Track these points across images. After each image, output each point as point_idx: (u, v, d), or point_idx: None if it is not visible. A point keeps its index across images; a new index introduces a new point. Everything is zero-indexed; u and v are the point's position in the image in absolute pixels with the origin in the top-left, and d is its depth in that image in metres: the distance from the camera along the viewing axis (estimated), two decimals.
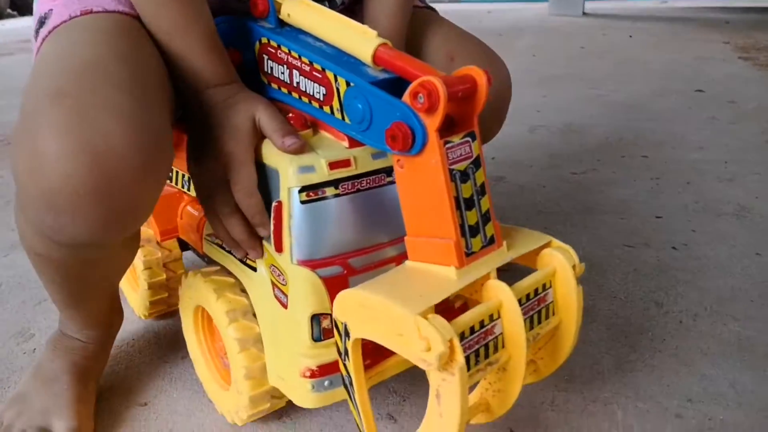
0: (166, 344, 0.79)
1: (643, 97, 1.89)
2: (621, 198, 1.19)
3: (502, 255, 0.50)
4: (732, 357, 0.74)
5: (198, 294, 0.62)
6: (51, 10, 0.56)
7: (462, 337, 0.45)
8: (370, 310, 0.45)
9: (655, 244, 1.01)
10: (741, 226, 1.06)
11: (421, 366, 0.43)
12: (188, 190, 0.66)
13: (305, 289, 0.51)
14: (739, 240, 1.01)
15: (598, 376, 0.71)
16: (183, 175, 0.67)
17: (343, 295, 0.47)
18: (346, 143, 0.52)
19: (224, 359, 0.65)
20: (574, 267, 0.53)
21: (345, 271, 0.52)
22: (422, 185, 0.46)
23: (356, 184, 0.52)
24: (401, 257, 0.53)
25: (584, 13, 3.61)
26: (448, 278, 0.46)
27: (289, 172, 0.50)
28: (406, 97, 0.45)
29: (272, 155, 0.52)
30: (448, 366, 0.43)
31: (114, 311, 0.70)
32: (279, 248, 0.52)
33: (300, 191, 0.50)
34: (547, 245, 0.54)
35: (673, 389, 0.69)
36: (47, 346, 0.67)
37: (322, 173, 0.50)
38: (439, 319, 0.42)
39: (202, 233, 0.64)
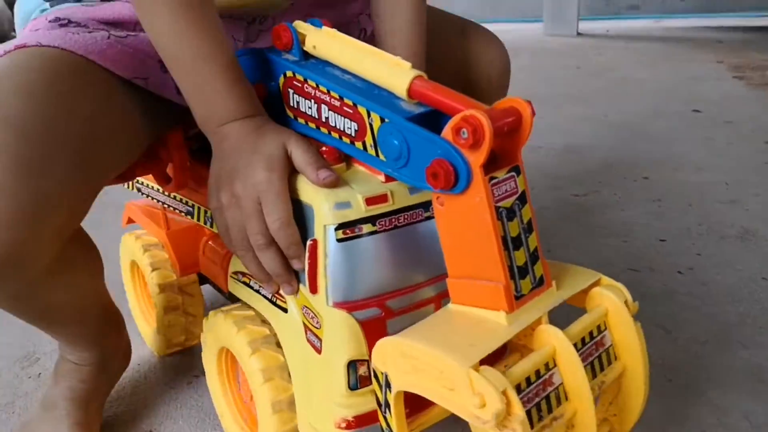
0: (173, 369, 0.78)
1: (640, 117, 1.90)
2: (623, 220, 1.18)
3: (552, 296, 0.46)
4: (743, 386, 0.72)
5: (220, 333, 0.58)
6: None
7: (519, 389, 0.41)
8: (415, 361, 0.42)
9: (660, 268, 1.00)
10: (746, 249, 1.05)
11: (475, 423, 0.39)
12: (211, 226, 0.64)
13: (342, 333, 0.48)
14: (745, 264, 1.00)
15: None
16: (206, 211, 0.64)
17: (383, 344, 0.44)
18: (381, 177, 0.50)
19: (252, 406, 0.61)
20: (626, 303, 0.49)
21: (383, 314, 0.49)
22: (466, 224, 0.43)
23: (393, 220, 0.50)
24: (440, 296, 0.51)
25: (578, 33, 3.65)
26: (498, 324, 0.43)
27: (325, 209, 0.47)
28: (447, 132, 0.42)
29: (306, 190, 0.49)
30: (506, 422, 0.39)
31: (106, 332, 0.67)
32: (314, 289, 0.49)
33: (336, 229, 0.48)
34: (596, 283, 0.50)
35: (685, 420, 0.67)
36: (52, 371, 0.66)
37: (359, 209, 0.48)
38: (493, 372, 0.39)
39: (227, 270, 0.61)
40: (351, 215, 0.48)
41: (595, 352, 0.47)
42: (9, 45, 0.52)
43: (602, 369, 0.48)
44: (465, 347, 0.40)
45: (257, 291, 0.56)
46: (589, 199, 1.29)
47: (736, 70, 2.47)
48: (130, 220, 0.80)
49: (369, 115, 0.48)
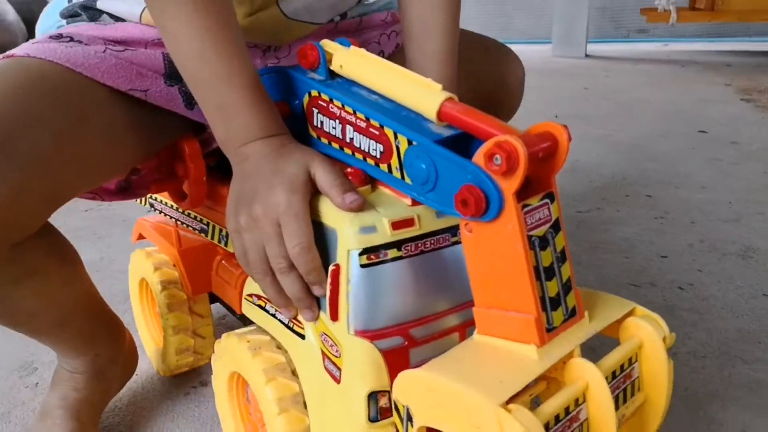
0: (169, 380, 0.79)
1: (646, 137, 1.91)
2: (626, 236, 1.19)
3: (585, 328, 0.44)
4: (742, 400, 0.73)
5: (232, 357, 0.56)
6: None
7: (546, 427, 0.39)
8: (439, 395, 0.40)
9: (661, 283, 1.00)
10: (746, 266, 1.06)
11: None
12: (225, 245, 0.63)
13: (363, 363, 0.46)
14: (746, 280, 1.01)
15: None
16: (221, 230, 0.63)
17: (406, 376, 0.42)
18: (408, 200, 0.48)
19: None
20: (664, 338, 0.46)
21: (406, 343, 0.47)
22: (496, 253, 0.41)
23: (420, 245, 0.47)
24: (465, 325, 0.49)
25: (587, 55, 3.67)
26: (528, 358, 0.41)
27: (349, 233, 0.45)
28: (478, 157, 0.40)
29: (330, 213, 0.47)
30: None
31: (97, 339, 0.66)
32: (335, 317, 0.47)
33: (360, 254, 0.46)
34: (630, 313, 0.48)
35: None
36: (51, 379, 0.67)
37: (385, 234, 0.46)
38: (524, 412, 0.37)
39: (241, 291, 0.59)
40: (376, 240, 0.46)
41: (622, 385, 0.46)
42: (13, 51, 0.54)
43: (625, 401, 0.46)
44: (493, 383, 0.39)
45: (273, 315, 0.54)
46: (593, 215, 1.30)
47: (743, 93, 2.48)
48: (140, 236, 0.79)
49: (396, 137, 0.46)
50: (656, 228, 1.23)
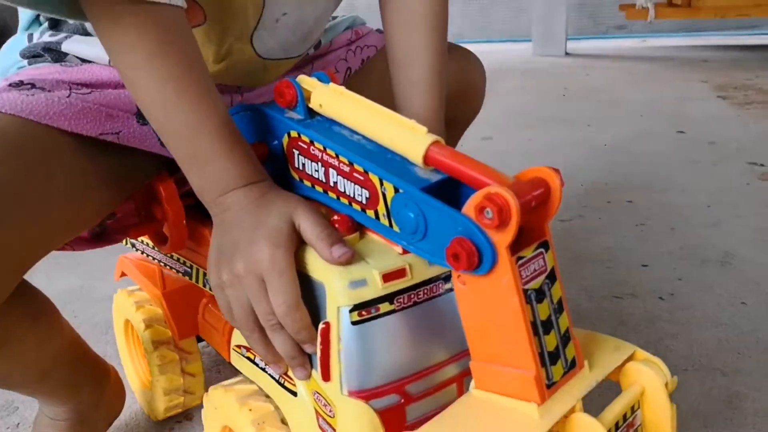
0: (154, 424, 0.78)
1: (626, 139, 1.93)
2: (607, 245, 1.20)
3: (585, 380, 0.42)
4: (722, 415, 0.74)
5: (221, 409, 0.55)
6: None
7: None
8: None
9: (642, 294, 1.02)
10: (726, 273, 1.07)
11: None
12: (210, 289, 0.61)
13: (358, 425, 0.44)
14: (725, 288, 1.02)
15: None
16: (204, 273, 0.61)
17: None
18: (398, 248, 0.46)
19: None
20: (666, 384, 0.45)
21: (402, 400, 0.46)
22: (491, 307, 0.40)
23: (413, 296, 0.45)
24: (463, 375, 0.48)
25: (567, 53, 3.70)
26: (529, 418, 0.39)
27: (338, 288, 0.43)
28: (469, 209, 0.38)
29: (317, 266, 0.45)
30: None
31: (80, 386, 0.64)
32: (326, 377, 0.45)
33: (351, 310, 0.43)
34: (631, 357, 0.46)
35: None
36: (33, 423, 0.66)
37: (376, 287, 0.44)
38: None
39: (229, 340, 0.58)
40: (367, 294, 0.43)
41: None
42: None
43: None
44: None
45: (263, 369, 0.52)
46: (574, 224, 1.31)
47: (720, 90, 2.51)
48: (123, 274, 0.77)
49: (382, 184, 0.44)
50: (637, 236, 1.24)
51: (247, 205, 0.47)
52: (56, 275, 1.17)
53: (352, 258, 0.44)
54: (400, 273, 0.45)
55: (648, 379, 0.45)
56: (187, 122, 0.47)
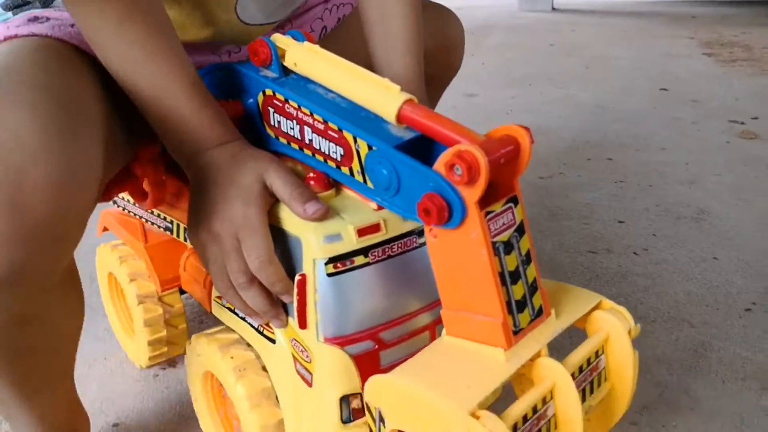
0: (139, 370, 0.80)
1: (609, 96, 1.93)
2: (586, 202, 1.22)
3: (551, 327, 0.45)
4: (687, 363, 0.77)
5: (203, 357, 0.57)
6: None
7: (515, 428, 0.40)
8: (409, 401, 0.41)
9: (617, 249, 1.04)
10: (699, 229, 1.10)
11: None
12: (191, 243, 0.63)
13: (334, 369, 0.47)
14: (698, 244, 1.05)
15: None
16: (185, 228, 0.61)
17: (376, 381, 0.43)
18: (374, 204, 0.48)
19: (240, 429, 0.59)
20: (629, 331, 0.47)
21: (376, 346, 0.48)
22: (461, 259, 0.42)
23: (387, 249, 0.47)
24: (435, 323, 0.50)
25: (553, 8, 3.65)
26: (496, 362, 0.42)
27: (314, 242, 0.45)
28: (439, 165, 0.40)
29: (292, 221, 0.47)
30: None
31: (76, 417, 0.61)
32: (303, 325, 0.47)
33: (326, 263, 0.45)
34: (597, 306, 0.48)
35: None
36: None
37: (350, 242, 0.46)
38: (493, 419, 0.38)
39: (210, 291, 0.59)
40: (342, 248, 0.45)
41: (589, 377, 0.47)
42: (6, 33, 0.49)
43: (592, 392, 0.47)
44: (462, 389, 0.40)
45: (243, 318, 0.54)
46: (554, 181, 1.33)
47: (706, 47, 2.51)
48: (105, 229, 0.78)
49: (356, 141, 0.46)
50: (615, 192, 1.26)
51: (220, 165, 0.48)
52: None
53: (326, 214, 0.46)
54: (374, 228, 0.47)
55: (612, 327, 0.47)
56: (155, 85, 0.47)
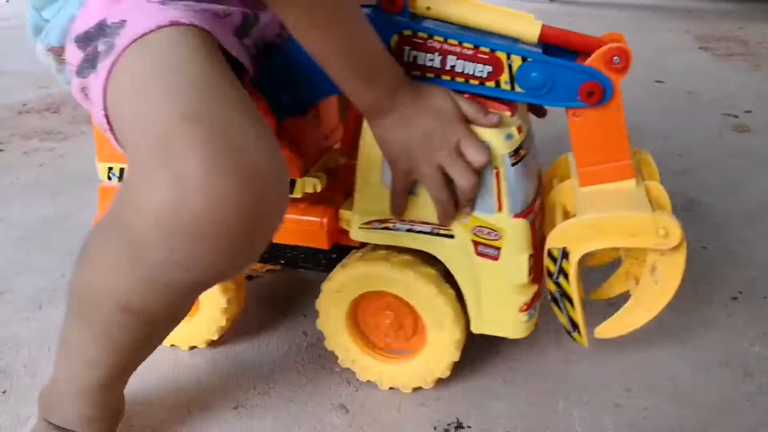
0: None
1: None
2: None
3: (646, 159, 0.72)
4: (668, 347, 0.78)
5: (371, 278, 0.66)
6: (124, 20, 0.51)
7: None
8: (597, 228, 0.59)
9: None
10: (689, 218, 1.11)
11: (655, 249, 0.60)
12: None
13: (523, 236, 0.62)
14: (687, 233, 1.04)
15: (542, 366, 0.75)
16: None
17: (565, 225, 0.60)
18: (508, 112, 0.62)
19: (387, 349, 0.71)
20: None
21: (534, 215, 0.65)
22: (601, 126, 0.61)
23: (524, 145, 0.64)
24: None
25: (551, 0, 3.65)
26: (632, 188, 0.62)
27: (501, 141, 0.60)
28: (596, 60, 0.58)
29: (477, 131, 0.60)
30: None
31: (120, 401, 0.63)
32: (500, 208, 0.62)
33: (510, 155, 0.60)
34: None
35: (612, 379, 0.73)
36: None
37: (517, 138, 0.61)
38: (665, 214, 0.59)
39: (335, 224, 0.68)
40: (515, 144, 0.61)
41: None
42: (161, 19, 0.50)
43: None
44: (634, 205, 0.59)
45: (410, 230, 0.65)
46: (545, 173, 1.33)
47: (701, 41, 2.51)
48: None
49: (509, 57, 0.59)
50: None
51: (417, 98, 0.59)
52: (31, 204, 1.17)
53: (500, 121, 0.60)
54: (520, 128, 0.63)
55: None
56: (362, 44, 0.55)
